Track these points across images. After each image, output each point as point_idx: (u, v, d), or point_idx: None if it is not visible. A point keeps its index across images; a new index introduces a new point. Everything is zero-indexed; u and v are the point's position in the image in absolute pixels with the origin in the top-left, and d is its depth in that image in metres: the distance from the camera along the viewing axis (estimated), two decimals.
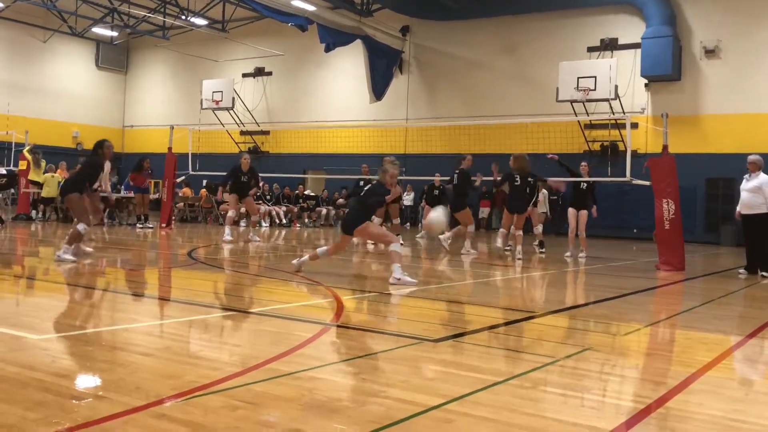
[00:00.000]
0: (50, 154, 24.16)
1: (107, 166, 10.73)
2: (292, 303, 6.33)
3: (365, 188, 8.46)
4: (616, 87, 21.09)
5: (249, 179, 14.03)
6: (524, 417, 3.10)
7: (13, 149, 21.17)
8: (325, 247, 8.53)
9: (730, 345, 5.19)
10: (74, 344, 4.33)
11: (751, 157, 10.49)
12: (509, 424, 2.99)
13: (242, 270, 9.11)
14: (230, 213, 14.22)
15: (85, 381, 3.49)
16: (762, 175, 10.28)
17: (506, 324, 5.57)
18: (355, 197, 9.44)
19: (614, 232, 21.92)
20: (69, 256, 8.88)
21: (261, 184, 22.87)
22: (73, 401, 3.04)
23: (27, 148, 18.94)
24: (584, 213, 13.43)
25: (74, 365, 3.80)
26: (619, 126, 22.25)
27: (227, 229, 13.79)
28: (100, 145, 9.80)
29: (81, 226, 9.18)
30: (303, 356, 4.13)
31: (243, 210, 16.98)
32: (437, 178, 20.17)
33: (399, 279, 7.68)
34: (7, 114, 27.40)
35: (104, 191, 13.87)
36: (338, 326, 5.15)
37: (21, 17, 29.89)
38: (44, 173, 18.40)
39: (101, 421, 2.77)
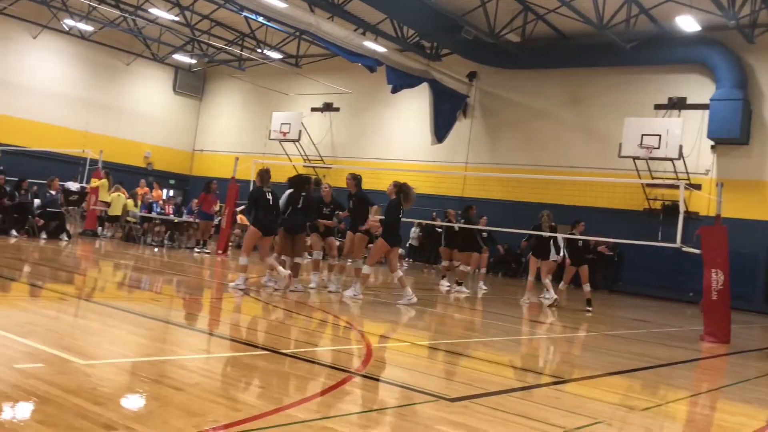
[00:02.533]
0: (121, 173, 25.34)
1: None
2: (324, 347, 6.60)
3: None
4: (681, 147, 20.90)
5: (332, 212, 11.96)
6: None
7: (87, 166, 22.28)
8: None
9: None
10: (115, 372, 4.70)
11: None
12: None
13: (284, 306, 9.44)
14: (315, 254, 11.98)
15: (118, 411, 3.81)
16: None
17: (527, 388, 5.71)
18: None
19: (669, 294, 21.53)
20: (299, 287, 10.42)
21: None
22: (104, 430, 3.36)
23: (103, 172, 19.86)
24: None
25: (112, 394, 4.13)
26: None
27: (314, 276, 11.66)
28: (308, 180, 11.03)
29: (299, 260, 10.69)
30: (321, 404, 4.39)
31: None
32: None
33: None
34: (85, 131, 28.87)
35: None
36: (362, 376, 5.38)
37: (108, 41, 31.61)
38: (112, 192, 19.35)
39: None
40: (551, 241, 14.04)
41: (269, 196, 10.39)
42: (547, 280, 14.19)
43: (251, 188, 12.94)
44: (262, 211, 10.36)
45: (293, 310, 9.03)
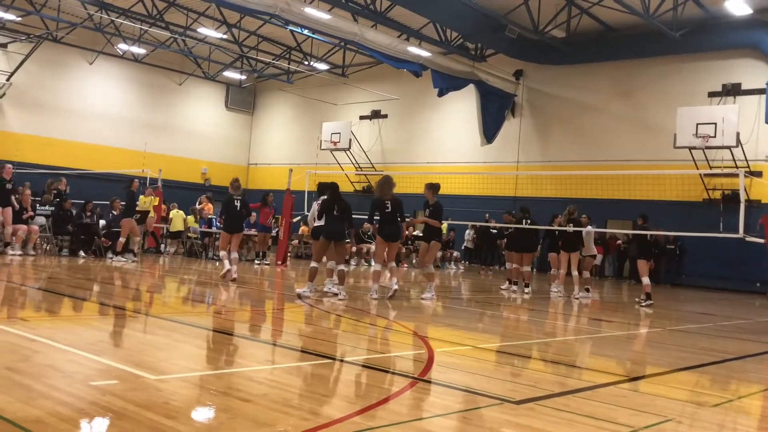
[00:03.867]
0: (180, 189, 25.97)
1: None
2: (386, 353, 6.66)
3: None
4: (738, 134, 20.35)
5: (394, 212, 11.35)
6: None
7: (148, 185, 22.88)
8: None
9: None
10: (185, 386, 4.84)
11: None
12: None
13: (344, 314, 9.55)
14: (376, 266, 11.75)
15: (190, 423, 3.94)
16: None
17: (592, 388, 5.65)
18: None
19: (734, 285, 20.95)
20: (334, 289, 10.76)
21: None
22: None
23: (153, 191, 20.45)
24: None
25: (183, 407, 4.26)
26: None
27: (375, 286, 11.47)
28: (331, 186, 11.21)
29: (331, 263, 11.07)
30: (386, 411, 4.43)
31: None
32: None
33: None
34: (144, 152, 29.67)
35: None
36: (425, 381, 5.42)
37: (160, 63, 32.49)
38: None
39: None
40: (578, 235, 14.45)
41: (237, 203, 12.61)
42: (576, 273, 14.31)
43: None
44: (229, 214, 12.65)
45: (353, 318, 9.13)
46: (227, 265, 12.38)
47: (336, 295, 10.76)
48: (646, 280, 13.65)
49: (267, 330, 8.11)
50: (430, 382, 5.43)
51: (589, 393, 5.43)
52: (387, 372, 5.68)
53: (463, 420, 4.43)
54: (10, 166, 15.52)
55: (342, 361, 6.06)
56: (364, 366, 5.87)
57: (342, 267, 11.01)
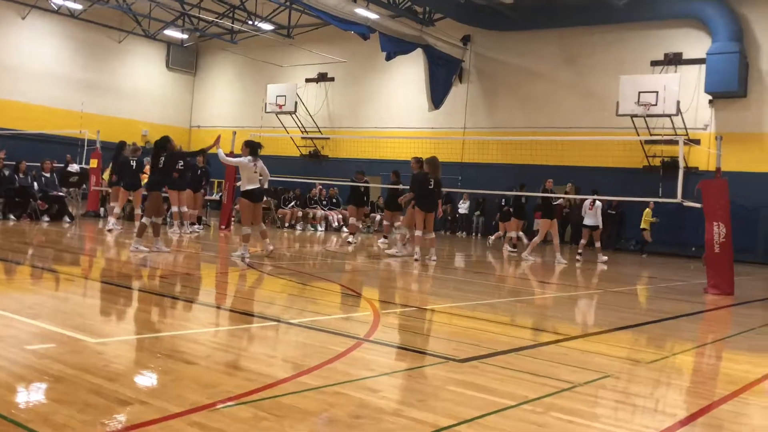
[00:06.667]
0: None
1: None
2: (332, 315, 6.65)
3: None
4: (679, 102, 20.82)
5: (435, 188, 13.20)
6: None
7: (86, 147, 22.18)
8: None
9: (753, 378, 5.24)
10: (127, 349, 4.75)
11: None
12: None
13: (291, 278, 9.49)
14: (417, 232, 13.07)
15: (132, 386, 3.86)
16: None
17: (535, 346, 5.76)
18: None
19: (672, 249, 21.62)
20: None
21: (319, 189, 23.49)
22: (119, 405, 3.40)
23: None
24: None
25: (124, 370, 4.17)
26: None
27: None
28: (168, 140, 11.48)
29: (146, 220, 10.90)
30: (332, 371, 4.43)
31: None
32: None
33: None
34: (81, 112, 28.71)
35: None
36: (371, 341, 5.43)
37: (98, 19, 31.29)
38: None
39: (141, 426, 3.12)
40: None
41: (133, 163, 14.50)
42: (521, 233, 17.27)
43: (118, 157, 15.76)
44: (128, 174, 14.48)
45: (299, 282, 9.08)
46: (112, 223, 14.60)
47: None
48: (539, 237, 16.08)
49: (210, 293, 8.01)
50: (375, 342, 5.45)
51: (532, 351, 5.53)
52: (332, 333, 5.67)
53: (408, 378, 4.46)
54: None
55: (287, 323, 6.02)
56: (308, 327, 5.85)
57: (146, 219, 11.13)
